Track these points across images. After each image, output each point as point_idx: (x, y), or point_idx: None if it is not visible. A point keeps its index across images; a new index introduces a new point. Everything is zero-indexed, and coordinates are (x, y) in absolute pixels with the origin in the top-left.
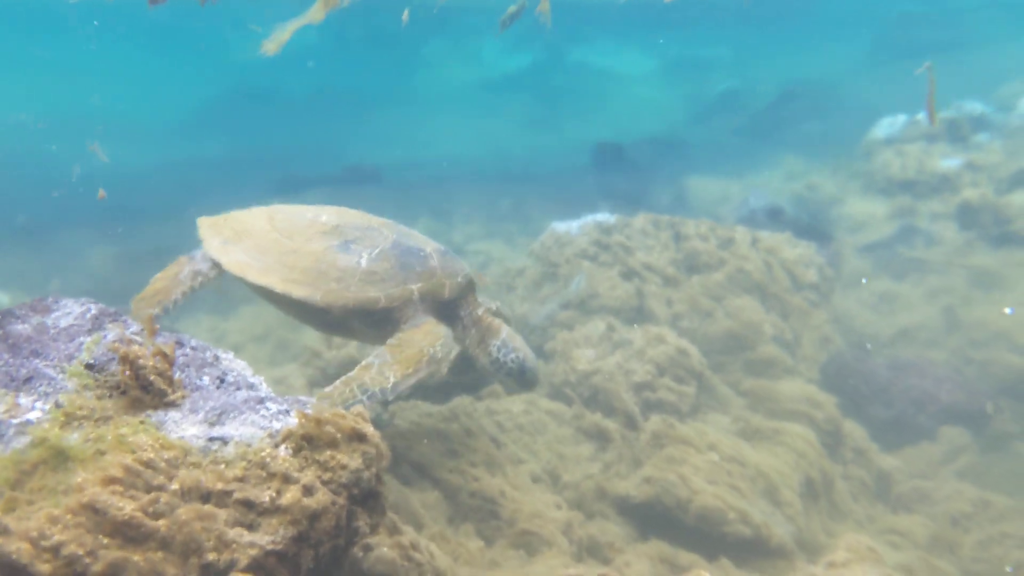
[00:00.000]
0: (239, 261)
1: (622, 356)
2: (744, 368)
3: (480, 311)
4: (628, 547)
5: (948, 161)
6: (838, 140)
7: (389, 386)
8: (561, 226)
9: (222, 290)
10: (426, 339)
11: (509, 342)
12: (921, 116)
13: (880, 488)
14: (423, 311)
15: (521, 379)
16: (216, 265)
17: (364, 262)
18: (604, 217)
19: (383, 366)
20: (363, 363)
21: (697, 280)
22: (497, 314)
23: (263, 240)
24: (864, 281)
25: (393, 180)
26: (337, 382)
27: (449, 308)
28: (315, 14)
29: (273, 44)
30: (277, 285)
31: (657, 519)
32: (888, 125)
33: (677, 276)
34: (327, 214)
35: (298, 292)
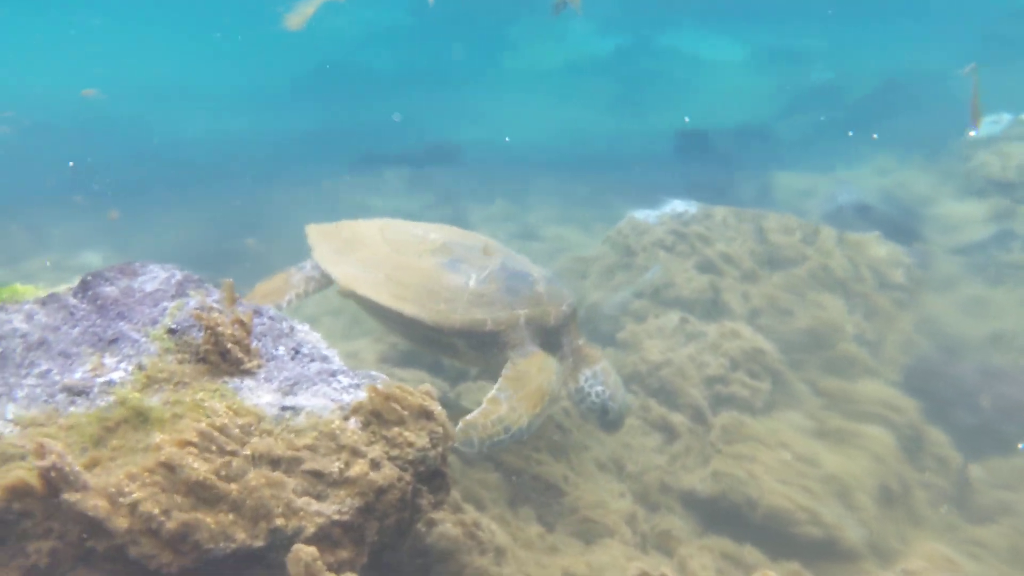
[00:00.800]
0: (350, 273)
1: (695, 348)
2: (823, 367)
3: (581, 341)
4: (692, 541)
5: None
6: (935, 137)
7: (525, 425)
8: (640, 214)
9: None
10: (541, 375)
11: (601, 375)
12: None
13: (961, 497)
14: (528, 338)
15: (602, 417)
16: (327, 274)
17: (472, 283)
18: (684, 207)
19: (512, 402)
20: (490, 396)
21: (778, 275)
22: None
23: (374, 253)
24: None
25: (472, 160)
26: (476, 413)
27: (552, 335)
28: None
29: (298, 18)
30: (388, 301)
31: (723, 515)
32: (990, 123)
33: (757, 270)
34: (436, 231)
35: (408, 310)
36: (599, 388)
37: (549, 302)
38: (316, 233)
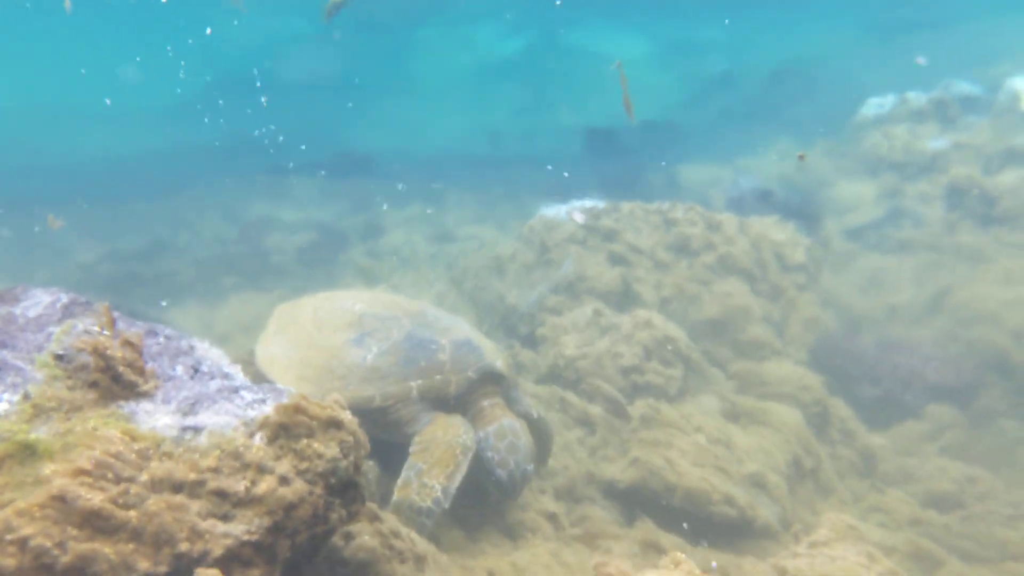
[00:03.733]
0: (269, 355)
1: (610, 340)
2: (733, 350)
3: (487, 402)
4: (613, 531)
5: (936, 142)
6: (829, 120)
7: (439, 495)
8: (550, 211)
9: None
10: (447, 432)
11: (492, 438)
12: (911, 95)
13: (866, 466)
14: (424, 410)
15: (493, 485)
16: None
17: (370, 358)
18: (593, 202)
19: (421, 476)
20: (399, 483)
21: (685, 264)
22: (528, 416)
23: (299, 332)
24: None
25: (386, 166)
26: (389, 508)
27: (455, 406)
28: None
29: None
30: (291, 383)
31: (644, 502)
32: (877, 105)
33: (666, 260)
34: (361, 302)
35: (306, 390)
36: (488, 454)
37: (452, 370)
38: (277, 313)
